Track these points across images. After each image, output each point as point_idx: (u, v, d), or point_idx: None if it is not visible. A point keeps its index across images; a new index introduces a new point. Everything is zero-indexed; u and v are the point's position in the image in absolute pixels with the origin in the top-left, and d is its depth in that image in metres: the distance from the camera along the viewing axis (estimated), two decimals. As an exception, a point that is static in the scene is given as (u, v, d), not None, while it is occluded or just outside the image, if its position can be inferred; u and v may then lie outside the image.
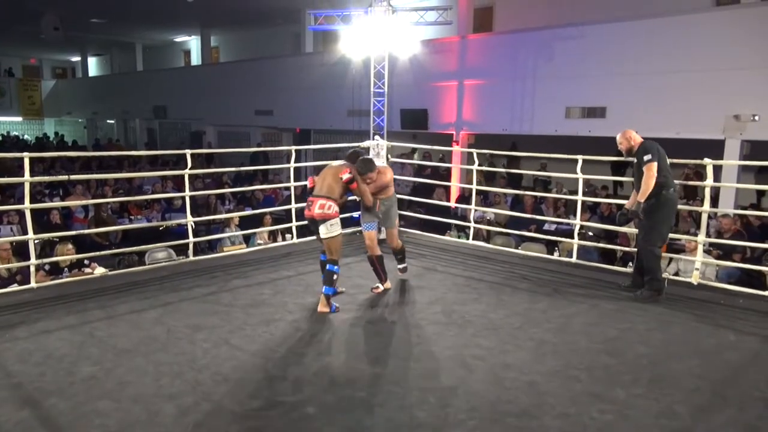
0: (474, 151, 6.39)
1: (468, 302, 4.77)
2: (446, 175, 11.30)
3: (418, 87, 12.07)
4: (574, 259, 5.71)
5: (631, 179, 5.19)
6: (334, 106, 13.38)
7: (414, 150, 12.63)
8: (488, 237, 7.55)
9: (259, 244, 7.00)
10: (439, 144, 10.55)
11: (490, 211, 7.90)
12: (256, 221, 7.85)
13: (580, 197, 5.72)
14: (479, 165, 6.38)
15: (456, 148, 10.45)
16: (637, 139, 4.92)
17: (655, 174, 4.68)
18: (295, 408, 3.02)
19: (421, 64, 11.60)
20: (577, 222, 5.78)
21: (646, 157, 4.72)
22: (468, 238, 6.79)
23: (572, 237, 5.86)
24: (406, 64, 11.56)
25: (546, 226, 7.98)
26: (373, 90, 9.07)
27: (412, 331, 4.14)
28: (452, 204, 9.32)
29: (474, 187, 6.53)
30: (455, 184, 10.00)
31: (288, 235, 7.06)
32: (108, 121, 25.92)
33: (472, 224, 6.67)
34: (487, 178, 10.94)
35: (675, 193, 4.87)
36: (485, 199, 9.81)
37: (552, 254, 6.51)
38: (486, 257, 6.20)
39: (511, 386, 3.31)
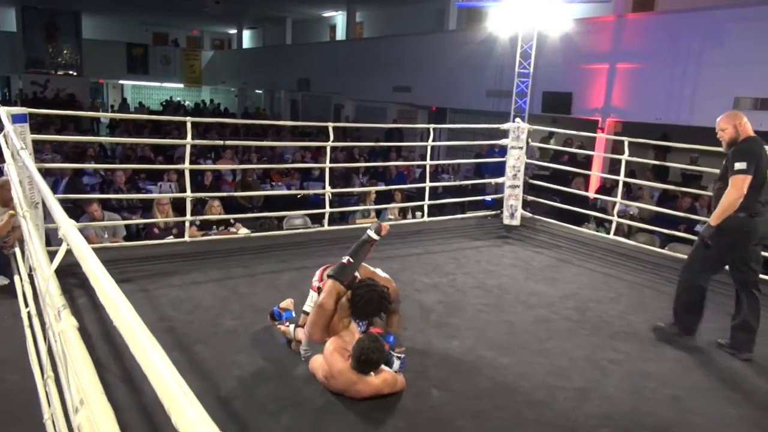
0: (625, 139, 5.93)
1: (605, 301, 4.48)
2: (585, 163, 10.69)
3: (565, 69, 11.44)
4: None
5: None
6: (472, 86, 13.14)
7: (551, 134, 12.08)
8: (629, 233, 7.03)
9: (390, 220, 7.08)
10: (581, 130, 9.97)
11: (635, 206, 7.34)
12: (387, 196, 7.95)
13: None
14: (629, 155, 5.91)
15: (602, 135, 9.80)
16: (747, 130, 3.56)
17: (744, 193, 3.41)
18: (419, 389, 3.00)
19: (571, 44, 10.98)
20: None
21: (739, 165, 3.42)
22: (608, 233, 6.36)
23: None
24: (554, 44, 11.02)
25: (698, 227, 7.25)
26: (518, 70, 8.73)
27: (542, 324, 3.96)
28: (591, 194, 8.80)
29: (621, 178, 6.08)
30: (597, 174, 9.40)
31: (419, 213, 7.07)
32: (257, 91, 27.60)
33: (614, 218, 6.22)
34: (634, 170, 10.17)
35: (755, 221, 3.49)
36: (628, 192, 9.14)
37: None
38: (627, 254, 5.77)
39: (651, 397, 3.05)
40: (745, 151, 3.47)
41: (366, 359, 2.75)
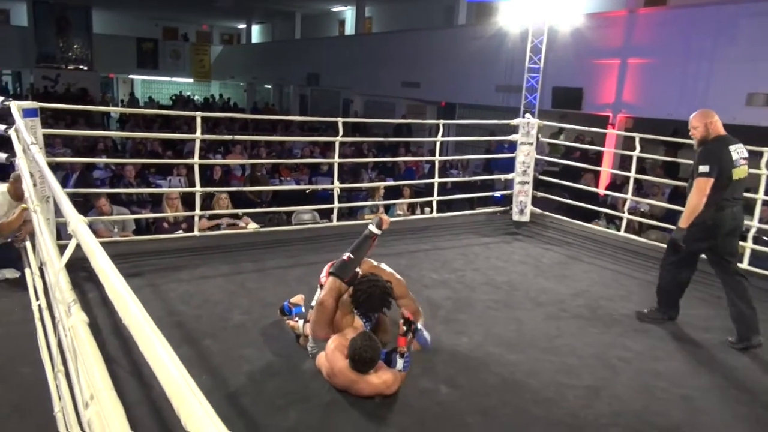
0: (637, 135, 5.87)
1: (615, 299, 4.44)
2: (596, 159, 10.63)
3: (575, 64, 11.37)
4: (744, 265, 5.07)
5: None
6: (482, 81, 13.08)
7: (561, 130, 12.01)
8: (640, 230, 6.98)
9: (399, 215, 7.06)
10: (591, 126, 9.91)
11: (645, 202, 7.28)
12: (396, 192, 7.93)
13: (761, 195, 5.05)
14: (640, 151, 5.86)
15: (612, 131, 9.73)
16: (717, 128, 3.68)
17: (707, 193, 3.57)
18: (427, 385, 2.99)
19: (582, 39, 10.90)
20: (754, 224, 5.11)
21: (702, 168, 3.57)
22: (618, 230, 6.32)
23: (743, 240, 5.20)
24: (565, 39, 10.95)
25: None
26: (528, 65, 8.67)
27: (552, 322, 3.94)
28: (601, 191, 8.74)
29: (632, 175, 6.02)
30: (607, 170, 9.34)
31: (427, 209, 7.05)
32: (265, 86, 27.62)
33: (625, 215, 6.17)
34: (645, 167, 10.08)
35: (721, 214, 3.65)
36: (639, 188, 9.07)
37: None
38: (637, 252, 5.72)
39: (662, 397, 3.03)
40: (709, 154, 3.61)
41: (359, 358, 2.72)
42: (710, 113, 3.72)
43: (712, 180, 3.56)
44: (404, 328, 2.99)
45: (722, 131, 3.72)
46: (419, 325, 3.07)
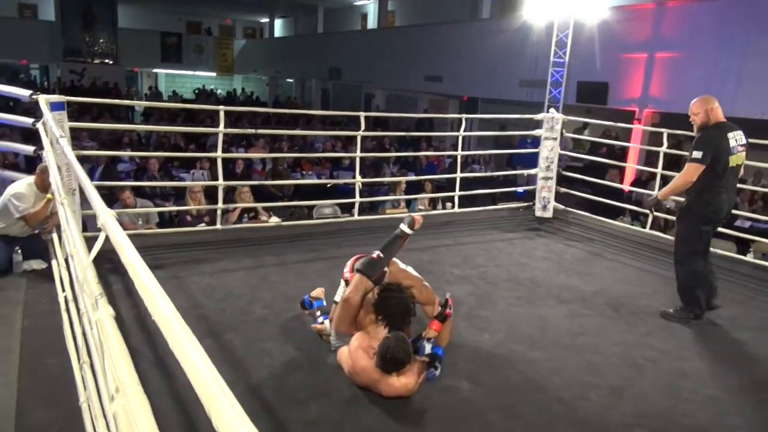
0: (664, 131, 5.76)
1: (640, 297, 4.37)
2: (621, 155, 10.45)
3: (601, 58, 11.18)
4: (774, 264, 4.96)
5: None
6: (506, 75, 12.95)
7: (585, 125, 11.85)
8: (665, 227, 6.85)
9: (420, 210, 7.03)
10: (616, 121, 9.75)
11: (672, 199, 7.13)
12: (417, 186, 7.90)
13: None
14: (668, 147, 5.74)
15: (638, 126, 9.56)
16: (718, 115, 3.71)
17: (694, 180, 3.67)
18: (449, 382, 2.97)
19: (608, 32, 10.71)
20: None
21: (695, 154, 3.63)
22: (644, 227, 6.21)
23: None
24: (590, 33, 10.78)
25: (738, 222, 7.03)
26: (553, 59, 8.56)
27: (575, 320, 3.88)
28: (626, 187, 8.60)
29: (659, 171, 5.91)
30: (632, 166, 9.19)
31: (449, 204, 7.01)
32: (288, 80, 27.69)
33: (651, 211, 6.05)
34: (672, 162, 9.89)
35: (719, 199, 3.74)
36: (665, 184, 8.90)
37: (744, 255, 5.72)
38: (663, 249, 5.59)
39: (689, 398, 2.97)
40: (705, 141, 3.67)
41: (391, 357, 2.68)
42: (711, 99, 3.72)
43: (702, 167, 3.64)
44: (439, 308, 2.98)
45: (722, 118, 3.74)
46: (440, 352, 3.03)
